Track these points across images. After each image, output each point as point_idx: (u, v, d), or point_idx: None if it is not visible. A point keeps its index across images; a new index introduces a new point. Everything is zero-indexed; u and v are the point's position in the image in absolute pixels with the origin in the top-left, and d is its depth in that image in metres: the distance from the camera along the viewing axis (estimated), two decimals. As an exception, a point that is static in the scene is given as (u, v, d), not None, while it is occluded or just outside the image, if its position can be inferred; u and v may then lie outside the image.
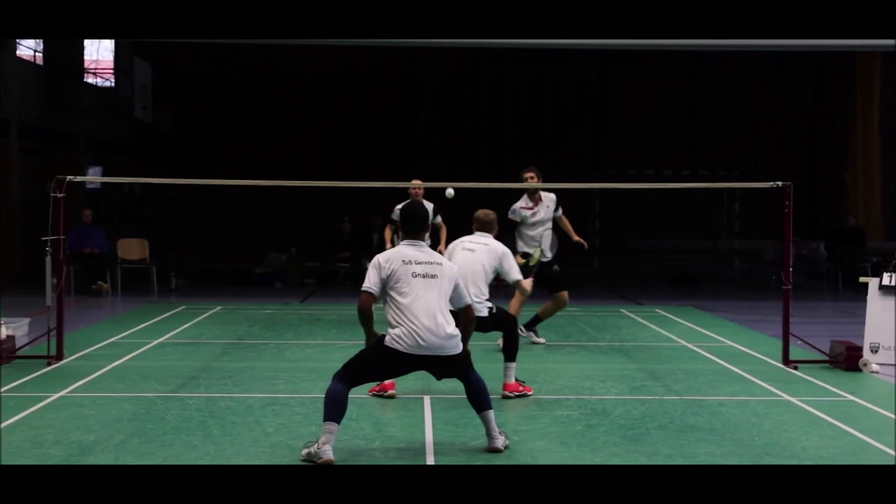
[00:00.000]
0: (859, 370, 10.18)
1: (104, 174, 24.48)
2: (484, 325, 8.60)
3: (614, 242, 24.87)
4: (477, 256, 8.69)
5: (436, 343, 6.66)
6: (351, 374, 6.72)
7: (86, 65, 25.83)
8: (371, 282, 6.77)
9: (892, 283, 10.80)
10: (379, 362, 6.76)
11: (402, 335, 6.64)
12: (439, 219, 12.72)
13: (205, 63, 25.68)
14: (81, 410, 8.05)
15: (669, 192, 22.73)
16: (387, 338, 6.70)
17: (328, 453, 6.44)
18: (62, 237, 10.43)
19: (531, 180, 11.61)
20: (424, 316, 6.64)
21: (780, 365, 10.40)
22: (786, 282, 10.49)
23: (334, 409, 6.56)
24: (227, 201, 23.74)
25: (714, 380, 9.70)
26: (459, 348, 6.80)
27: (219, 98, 26.67)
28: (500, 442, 6.84)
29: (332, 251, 20.82)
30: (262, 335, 12.61)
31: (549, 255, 11.70)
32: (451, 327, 6.73)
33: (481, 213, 9.18)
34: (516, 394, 8.66)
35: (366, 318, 6.82)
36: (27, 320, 12.12)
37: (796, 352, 10.73)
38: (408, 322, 6.64)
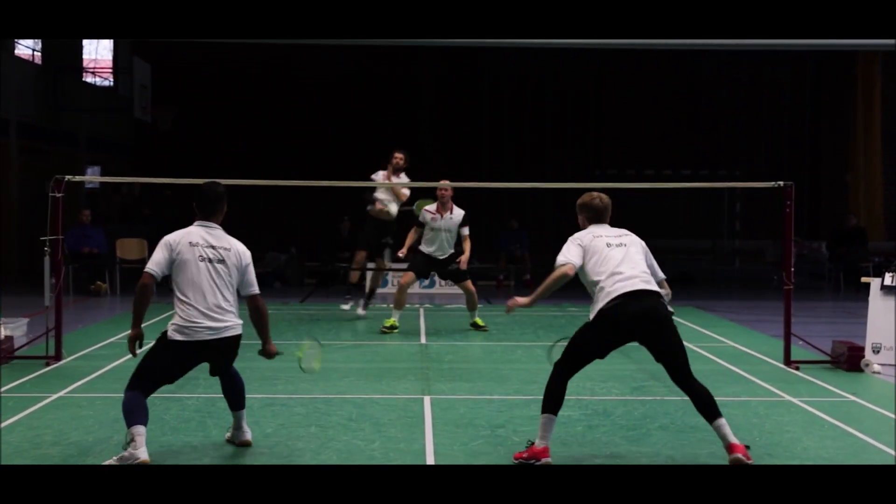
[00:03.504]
0: (861, 371, 10.18)
1: (103, 174, 24.45)
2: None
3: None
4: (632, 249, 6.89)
5: (211, 325, 6.58)
6: (141, 381, 6.55)
7: (85, 64, 25.80)
8: (155, 262, 6.63)
9: (894, 284, 10.79)
10: (165, 359, 6.61)
11: (180, 323, 6.55)
12: (466, 230, 12.78)
13: (204, 63, 25.67)
14: (80, 411, 8.05)
15: (670, 191, 22.76)
16: (168, 330, 6.62)
17: (143, 454, 6.30)
18: (61, 237, 10.43)
19: (399, 161, 13.74)
20: (202, 298, 6.57)
21: (782, 365, 10.39)
22: (787, 282, 10.48)
23: (136, 413, 6.38)
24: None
25: (715, 380, 9.66)
26: (237, 331, 6.74)
27: (218, 98, 26.66)
28: (249, 434, 6.99)
29: (331, 251, 20.77)
30: (261, 335, 12.57)
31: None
32: (228, 304, 6.65)
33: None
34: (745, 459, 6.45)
35: (144, 298, 6.64)
36: (25, 320, 12.09)
37: (798, 352, 10.73)
38: (185, 306, 6.56)
